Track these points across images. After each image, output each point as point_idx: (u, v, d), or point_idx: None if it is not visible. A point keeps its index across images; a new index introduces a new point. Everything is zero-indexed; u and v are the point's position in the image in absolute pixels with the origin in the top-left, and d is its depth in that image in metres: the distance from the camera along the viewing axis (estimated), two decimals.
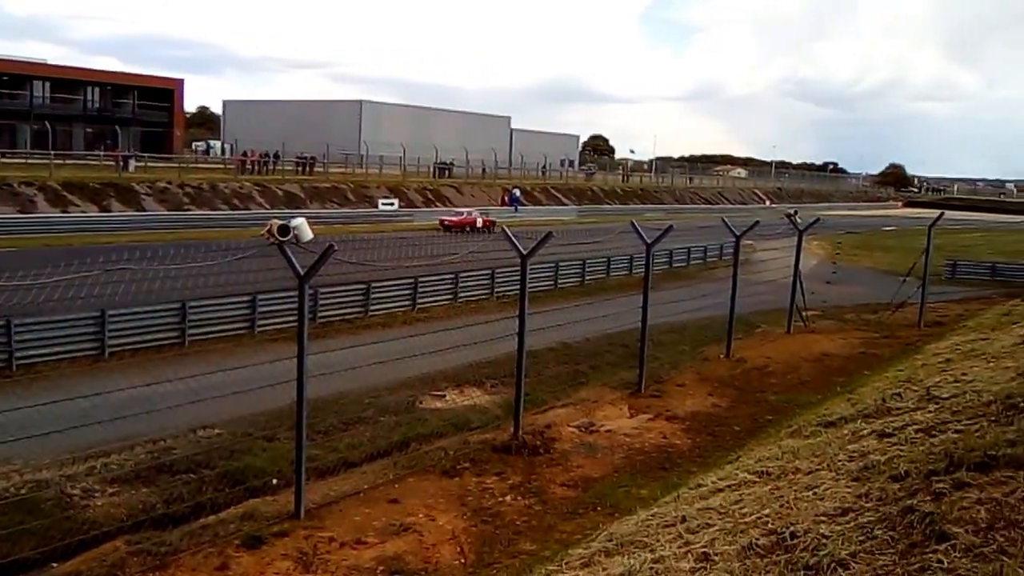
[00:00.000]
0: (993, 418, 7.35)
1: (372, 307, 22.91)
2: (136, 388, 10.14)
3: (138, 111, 69.89)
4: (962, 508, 5.15)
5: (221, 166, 63.11)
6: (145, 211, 43.07)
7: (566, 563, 7.06)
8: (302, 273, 9.53)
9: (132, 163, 52.83)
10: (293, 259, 9.55)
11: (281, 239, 9.41)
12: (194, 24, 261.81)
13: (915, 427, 7.95)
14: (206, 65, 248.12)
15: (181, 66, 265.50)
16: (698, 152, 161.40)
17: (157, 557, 8.74)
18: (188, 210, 44.72)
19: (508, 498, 10.56)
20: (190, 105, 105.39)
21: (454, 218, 47.46)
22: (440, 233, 42.39)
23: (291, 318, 11.86)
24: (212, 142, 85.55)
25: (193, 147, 79.90)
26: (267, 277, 13.86)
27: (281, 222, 9.52)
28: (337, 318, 21.61)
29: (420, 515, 9.95)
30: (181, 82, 74.33)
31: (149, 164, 54.30)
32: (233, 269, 13.70)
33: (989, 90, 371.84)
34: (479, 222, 44.97)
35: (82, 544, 9.21)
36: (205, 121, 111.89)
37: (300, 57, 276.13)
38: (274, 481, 10.96)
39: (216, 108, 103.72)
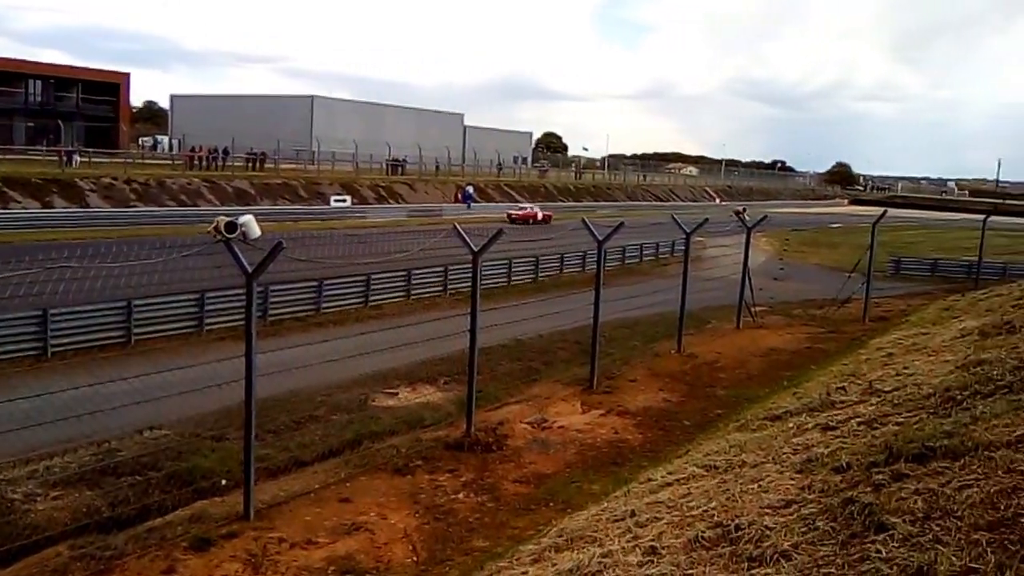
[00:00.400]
0: (932, 410, 7.49)
1: (324, 304, 22.70)
2: (80, 389, 9.98)
3: (82, 105, 68.31)
4: (900, 499, 5.22)
5: (169, 162, 61.80)
6: (89, 207, 42.03)
7: (517, 559, 7.06)
8: (250, 270, 9.43)
9: (76, 158, 51.60)
10: (240, 256, 9.43)
11: (228, 236, 9.33)
12: (141, 16, 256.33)
13: (858, 420, 8.07)
14: (153, 59, 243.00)
15: (127, 59, 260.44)
16: (650, 150, 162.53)
17: (101, 561, 8.59)
18: (134, 207, 43.79)
19: (461, 495, 10.56)
20: (137, 99, 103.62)
21: (519, 212, 54.98)
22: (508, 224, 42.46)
23: (240, 316, 11.72)
24: (159, 137, 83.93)
25: (140, 142, 78.18)
26: (216, 275, 13.71)
27: (228, 219, 9.46)
28: (288, 316, 21.38)
29: (372, 514, 9.90)
30: (127, 76, 72.94)
31: (94, 159, 52.94)
32: (181, 267, 13.56)
33: (932, 91, 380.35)
34: (540, 215, 51.15)
35: (23, 549, 9.01)
36: (152, 116, 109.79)
37: (250, 51, 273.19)
38: (223, 482, 10.81)
39: (164, 103, 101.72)
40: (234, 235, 9.26)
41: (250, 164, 59.40)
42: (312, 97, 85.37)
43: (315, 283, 22.38)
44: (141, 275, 13.43)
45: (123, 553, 8.75)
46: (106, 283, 13.49)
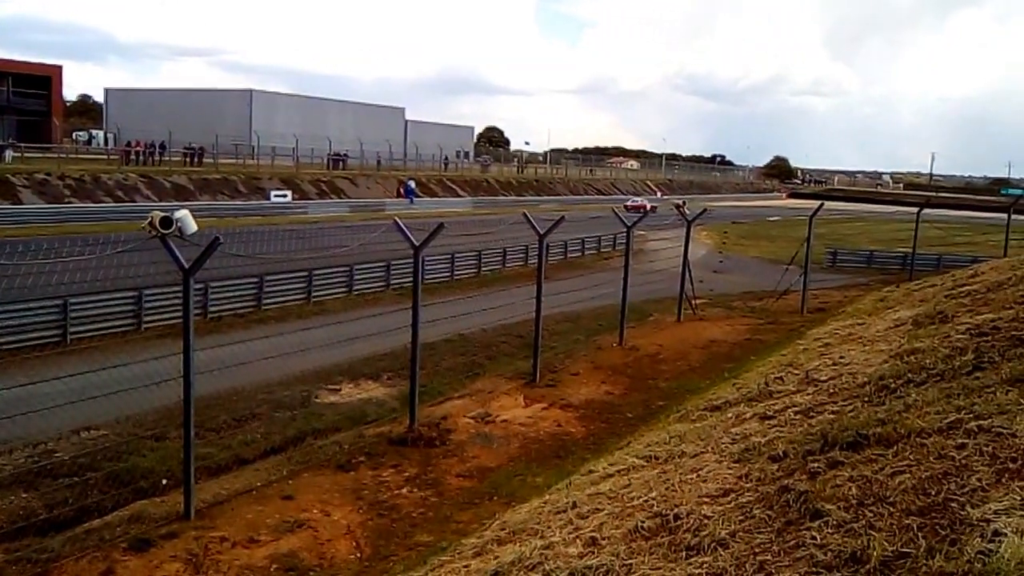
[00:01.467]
0: (866, 399, 7.64)
1: (265, 301, 22.39)
2: (14, 389, 9.74)
3: (13, 99, 66.24)
4: (835, 486, 5.31)
5: (104, 157, 60.05)
6: (22, 204, 40.82)
7: (459, 553, 7.10)
8: (187, 267, 9.30)
9: (8, 153, 50.02)
10: (177, 252, 9.31)
11: (164, 232, 9.12)
12: (73, 8, 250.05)
13: (794, 409, 8.20)
14: (87, 51, 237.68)
15: (60, 52, 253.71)
16: (591, 144, 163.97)
17: (38, 564, 8.45)
18: (69, 203, 42.58)
19: (404, 490, 10.57)
20: (70, 93, 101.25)
21: (633, 203, 61.90)
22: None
23: (179, 313, 11.51)
24: (94, 132, 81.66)
25: (74, 137, 76.13)
26: (155, 271, 13.44)
27: (164, 214, 9.22)
28: (229, 312, 21.06)
29: (315, 511, 9.86)
30: (59, 69, 71.11)
31: (26, 154, 51.39)
32: (117, 263, 13.25)
33: (867, 86, 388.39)
34: (648, 207, 52.56)
35: None
36: (87, 110, 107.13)
37: (186, 44, 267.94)
38: (164, 481, 10.62)
39: (98, 96, 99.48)
40: (170, 231, 9.03)
41: (188, 159, 58.24)
42: (251, 91, 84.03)
43: (256, 279, 22.07)
44: (75, 272, 13.10)
45: (60, 555, 8.61)
46: (38, 281, 13.14)
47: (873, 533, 4.51)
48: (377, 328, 14.26)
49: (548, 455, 11.87)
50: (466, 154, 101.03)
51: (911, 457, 5.47)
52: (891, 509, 4.78)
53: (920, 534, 4.36)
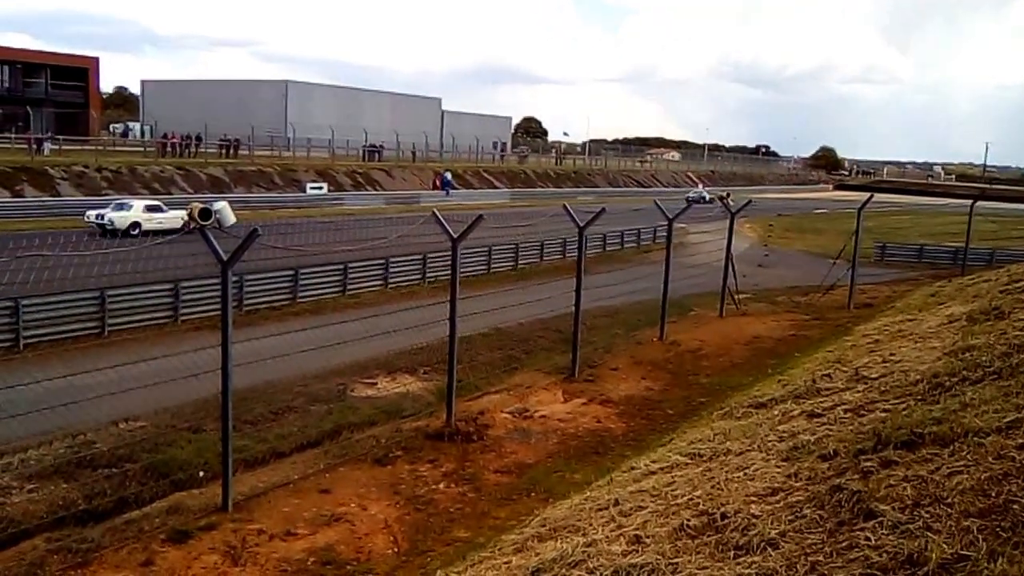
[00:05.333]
0: (920, 397, 7.49)
1: (301, 293, 22.50)
2: (54, 380, 9.79)
3: (51, 91, 67.18)
4: (889, 486, 5.21)
5: (140, 149, 60.83)
6: (60, 196, 41.44)
7: (499, 549, 7.04)
8: (225, 259, 9.28)
9: (47, 146, 50.74)
10: (215, 244, 9.29)
11: (203, 223, 9.13)
12: None
13: (844, 407, 8.05)
14: (124, 43, 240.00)
15: (97, 44, 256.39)
16: (632, 135, 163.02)
17: (79, 554, 8.51)
18: (106, 195, 43.09)
19: (441, 485, 10.51)
20: (107, 85, 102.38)
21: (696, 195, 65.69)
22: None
23: (216, 306, 11.57)
24: (131, 124, 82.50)
25: (111, 129, 76.94)
26: (191, 263, 13.49)
27: (203, 206, 9.23)
28: (264, 305, 21.16)
29: (352, 504, 9.85)
30: (96, 60, 71.99)
31: (64, 147, 52.07)
32: (154, 255, 13.31)
33: (920, 73, 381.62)
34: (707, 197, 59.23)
35: None
36: (123, 102, 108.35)
37: (223, 35, 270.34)
38: (200, 473, 10.67)
39: (135, 88, 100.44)
40: (209, 222, 9.06)
41: (224, 151, 58.73)
42: (286, 82, 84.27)
43: (291, 272, 22.17)
44: (114, 264, 13.18)
45: (100, 545, 8.68)
46: (79, 272, 13.23)
47: (931, 535, 4.41)
48: (413, 321, 14.19)
49: (587, 451, 11.74)
50: (503, 145, 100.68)
51: (969, 457, 5.36)
52: (949, 510, 4.67)
53: (981, 537, 4.26)
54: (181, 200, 37.36)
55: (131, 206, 33.40)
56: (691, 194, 69.73)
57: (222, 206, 9.52)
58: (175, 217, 30.13)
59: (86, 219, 32.44)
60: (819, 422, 7.76)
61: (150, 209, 33.33)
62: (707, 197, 65.86)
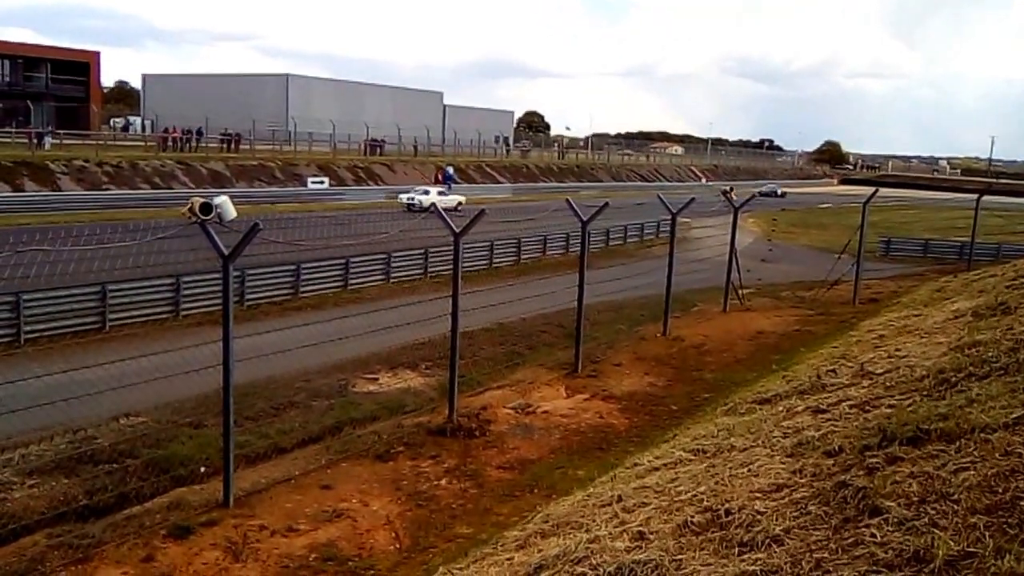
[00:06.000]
0: (926, 393, 7.45)
1: (302, 288, 22.47)
2: (55, 375, 9.76)
3: (52, 85, 67.27)
4: (895, 482, 5.18)
5: (141, 143, 60.74)
6: (61, 190, 41.39)
7: (502, 546, 7.02)
8: (226, 253, 9.23)
9: (48, 140, 50.67)
10: (216, 238, 9.25)
11: (203, 218, 9.08)
12: None
13: (849, 403, 8.02)
14: (125, 37, 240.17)
15: (98, 38, 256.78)
16: (635, 129, 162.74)
17: (80, 550, 8.48)
18: (107, 189, 43.12)
19: (443, 481, 10.47)
20: (108, 79, 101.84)
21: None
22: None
23: (217, 301, 11.53)
24: (132, 118, 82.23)
25: (111, 123, 76.55)
26: (192, 258, 13.45)
27: (203, 200, 9.18)
28: (265, 300, 21.15)
29: (353, 500, 9.82)
30: (97, 55, 72.13)
31: (65, 141, 52.11)
32: (155, 250, 13.27)
33: (925, 67, 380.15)
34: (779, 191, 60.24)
35: None
36: (124, 96, 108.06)
37: (224, 29, 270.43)
38: (202, 469, 10.66)
39: (135, 83, 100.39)
40: (209, 217, 9.01)
41: (224, 145, 58.68)
42: (287, 76, 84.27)
43: (293, 267, 22.13)
44: (115, 259, 13.16)
45: (101, 541, 8.64)
46: (78, 267, 13.20)
47: (937, 531, 4.39)
48: (415, 316, 14.15)
49: (590, 447, 11.71)
50: (506, 139, 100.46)
51: (975, 453, 5.33)
52: (955, 507, 4.65)
53: (987, 533, 4.24)
54: (182, 195, 37.27)
55: (428, 191, 46.81)
56: (764, 188, 70.66)
57: (223, 200, 9.43)
58: (454, 200, 43.61)
59: (400, 200, 45.46)
60: (824, 418, 7.72)
61: (440, 193, 46.69)
62: (779, 191, 69.01)
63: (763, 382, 12.84)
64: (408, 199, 45.21)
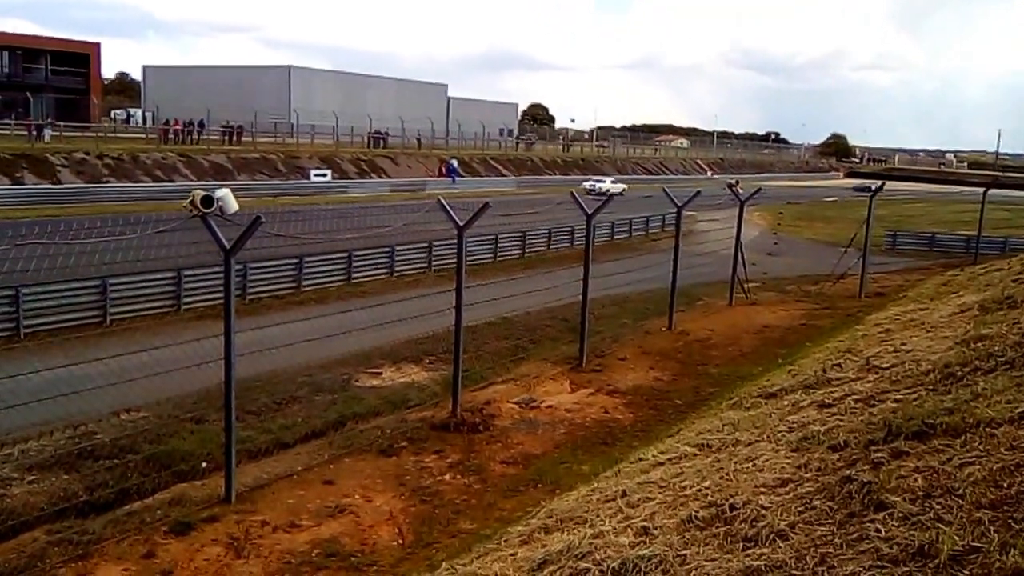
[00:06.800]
0: (931, 387, 7.44)
1: (305, 282, 22.39)
2: (54, 370, 9.73)
3: (52, 77, 66.92)
4: (900, 477, 5.19)
5: (142, 136, 60.50)
6: (61, 183, 41.24)
7: (505, 541, 7.01)
8: (228, 247, 9.19)
9: (47, 132, 50.42)
10: (218, 232, 9.20)
11: (205, 211, 9.02)
12: None
13: (855, 397, 8.02)
14: (125, 28, 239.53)
15: (98, 29, 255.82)
16: (640, 122, 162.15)
17: (79, 546, 8.46)
18: (107, 182, 42.91)
19: (447, 477, 10.44)
20: (108, 71, 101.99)
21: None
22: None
23: (219, 294, 11.50)
24: (132, 110, 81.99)
25: (112, 115, 76.24)
26: (193, 251, 13.38)
27: (205, 193, 9.12)
28: (267, 294, 21.08)
29: (356, 496, 9.80)
30: (98, 46, 71.75)
31: (65, 133, 51.75)
32: (156, 243, 13.21)
33: (932, 60, 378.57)
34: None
35: None
36: (125, 88, 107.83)
37: (226, 20, 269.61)
38: (203, 464, 10.59)
39: (136, 74, 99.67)
40: (211, 210, 8.97)
41: (226, 137, 58.53)
42: (290, 67, 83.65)
43: (295, 260, 22.07)
44: (115, 252, 13.10)
45: (102, 538, 8.62)
46: (79, 261, 13.15)
47: (942, 526, 4.40)
48: (418, 310, 14.11)
49: (595, 442, 11.67)
50: (510, 132, 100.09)
51: (981, 448, 5.35)
52: (960, 502, 4.66)
53: (992, 528, 4.24)
54: (183, 188, 37.20)
55: (605, 179, 60.35)
56: (859, 185, 71.13)
57: (225, 193, 9.36)
58: (619, 187, 52.80)
59: (583, 187, 49.77)
60: (829, 412, 7.72)
61: (614, 182, 58.79)
62: (872, 186, 67.28)
63: (768, 376, 12.84)
64: (590, 186, 53.03)
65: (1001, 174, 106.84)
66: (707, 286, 22.99)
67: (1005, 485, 4.65)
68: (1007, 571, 3.84)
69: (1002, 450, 5.14)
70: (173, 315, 18.61)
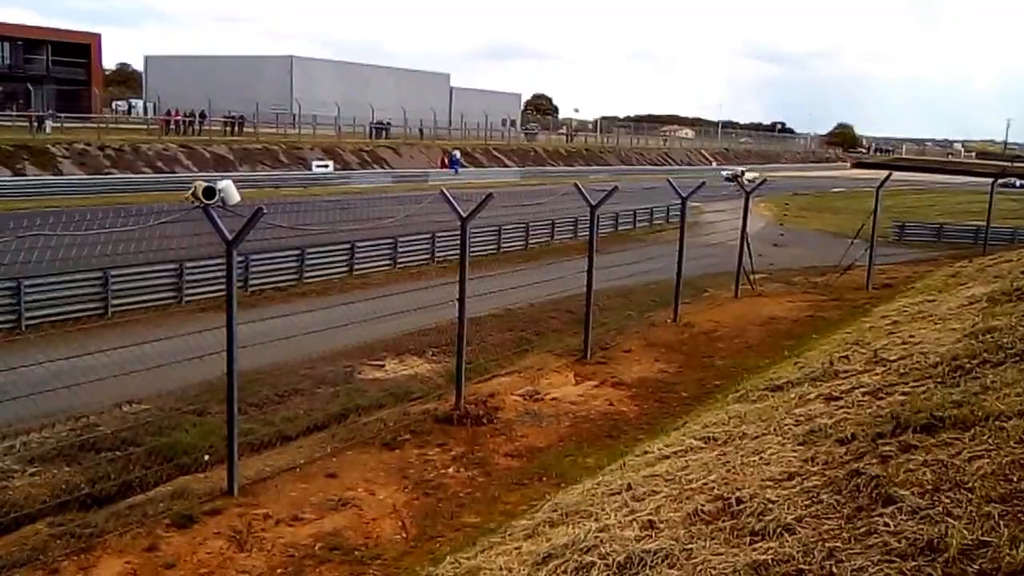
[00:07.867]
0: (940, 380, 7.42)
1: (307, 274, 22.38)
2: (56, 362, 9.66)
3: (52, 68, 66.95)
4: (908, 471, 5.18)
5: (144, 126, 60.33)
6: (62, 174, 41.25)
7: (510, 534, 7.03)
8: (230, 238, 9.14)
9: (48, 123, 50.38)
10: (220, 223, 9.15)
11: (206, 202, 8.97)
12: None
13: (862, 390, 8.00)
14: (126, 18, 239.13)
15: (99, 19, 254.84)
16: (644, 112, 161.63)
17: (82, 539, 8.41)
18: (109, 173, 42.95)
19: (451, 470, 10.39)
20: (109, 61, 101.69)
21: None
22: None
23: (221, 286, 11.48)
24: (134, 101, 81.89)
25: (113, 106, 76.00)
26: (195, 243, 13.35)
27: (206, 184, 9.06)
28: (270, 286, 21.07)
29: (359, 489, 9.75)
30: (98, 36, 71.80)
31: (66, 124, 51.78)
32: (158, 235, 13.18)
33: (940, 49, 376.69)
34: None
35: (0, 527, 8.77)
36: (126, 79, 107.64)
37: (227, 10, 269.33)
38: (206, 457, 10.56)
39: (137, 65, 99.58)
40: (213, 201, 8.94)
41: (228, 128, 58.51)
42: (291, 57, 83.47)
43: (297, 251, 22.04)
44: (117, 244, 13.08)
45: (104, 530, 8.57)
46: (81, 252, 13.13)
47: (951, 521, 4.39)
48: (421, 302, 14.06)
49: (600, 435, 11.61)
50: (513, 122, 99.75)
51: (990, 441, 5.34)
52: (970, 496, 4.66)
53: (1002, 522, 4.24)
54: (185, 179, 37.17)
55: (737, 169, 50.99)
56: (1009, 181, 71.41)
57: (226, 184, 9.32)
58: (753, 174, 46.54)
59: (721, 174, 46.48)
60: (837, 405, 7.71)
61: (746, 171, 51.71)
62: (1018, 183, 67.64)
63: (775, 369, 12.80)
64: (726, 175, 49.86)
65: (1010, 164, 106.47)
66: (712, 277, 22.89)
67: (1015, 479, 4.65)
68: (1017, 566, 3.83)
69: (1012, 443, 5.12)
70: (175, 307, 18.58)
